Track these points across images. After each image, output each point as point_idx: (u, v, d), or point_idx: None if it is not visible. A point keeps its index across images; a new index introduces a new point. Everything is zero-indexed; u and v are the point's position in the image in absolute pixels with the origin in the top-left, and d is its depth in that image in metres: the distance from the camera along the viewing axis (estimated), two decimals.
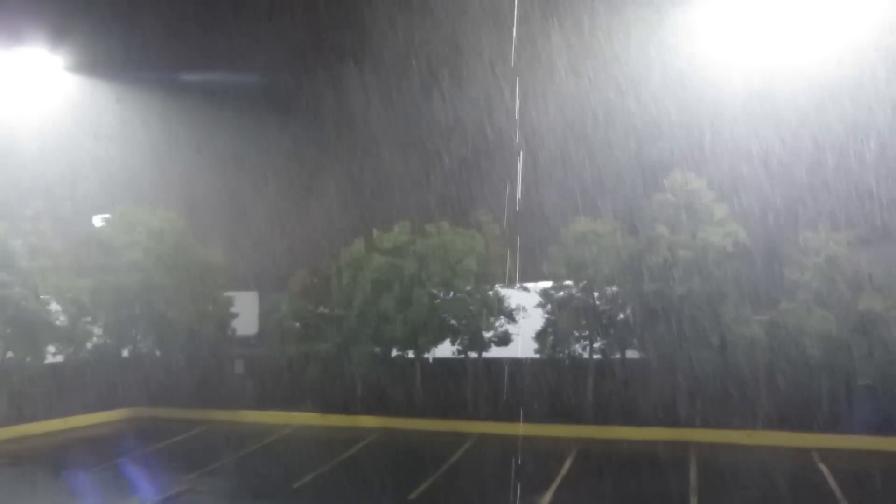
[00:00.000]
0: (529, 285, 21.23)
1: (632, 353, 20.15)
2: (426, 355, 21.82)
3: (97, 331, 23.32)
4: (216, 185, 28.03)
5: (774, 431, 17.92)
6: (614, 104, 21.71)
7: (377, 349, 21.52)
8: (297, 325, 22.48)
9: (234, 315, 24.99)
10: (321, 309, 22.47)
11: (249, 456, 18.23)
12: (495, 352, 21.28)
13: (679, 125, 20.79)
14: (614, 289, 20.06)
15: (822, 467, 15.58)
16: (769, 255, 18.97)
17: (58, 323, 22.11)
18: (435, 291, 20.97)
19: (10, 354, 21.22)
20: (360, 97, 25.51)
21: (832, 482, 14.54)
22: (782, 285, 18.51)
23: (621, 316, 20.00)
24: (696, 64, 20.86)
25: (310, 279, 22.76)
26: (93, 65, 26.14)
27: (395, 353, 21.72)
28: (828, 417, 18.00)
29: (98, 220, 24.79)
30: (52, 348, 22.17)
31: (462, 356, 21.41)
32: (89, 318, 22.97)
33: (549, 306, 20.60)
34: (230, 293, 25.07)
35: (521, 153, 20.36)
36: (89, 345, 23.13)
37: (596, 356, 20.26)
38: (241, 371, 24.78)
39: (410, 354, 21.66)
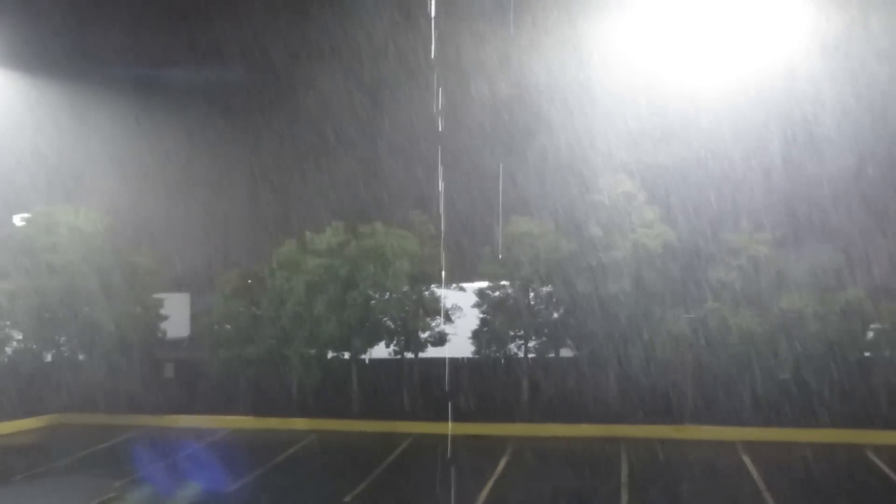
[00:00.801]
0: (466, 285, 21.37)
1: (566, 352, 20.54)
2: (362, 356, 21.69)
3: (17, 335, 22.38)
4: (146, 185, 27.22)
5: (701, 426, 18.52)
6: (546, 106, 22.02)
7: (312, 351, 21.28)
8: (230, 327, 22.03)
9: (164, 317, 24.30)
10: (254, 310, 22.08)
11: (179, 462, 17.75)
12: (431, 352, 21.32)
13: (610, 128, 21.24)
14: (549, 288, 20.38)
15: (746, 459, 16.19)
16: (697, 256, 19.61)
17: None
18: (370, 292, 20.86)
19: None
20: (291, 97, 25.17)
21: (755, 473, 15.12)
22: (709, 285, 19.15)
23: (556, 315, 20.33)
24: (624, 68, 21.35)
25: (242, 280, 22.36)
26: (12, 59, 25.02)
27: (330, 354, 21.52)
28: (751, 411, 18.72)
29: (18, 220, 23.78)
30: None
31: (398, 357, 21.37)
32: (8, 322, 22.04)
33: (484, 306, 20.79)
34: (160, 295, 24.36)
35: (447, 154, 20.50)
36: (9, 350, 22.18)
37: (531, 355, 20.54)
38: (171, 374, 24.14)
39: (346, 356, 21.50)
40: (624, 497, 13.98)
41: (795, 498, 13.97)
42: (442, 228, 20.57)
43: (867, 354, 18.41)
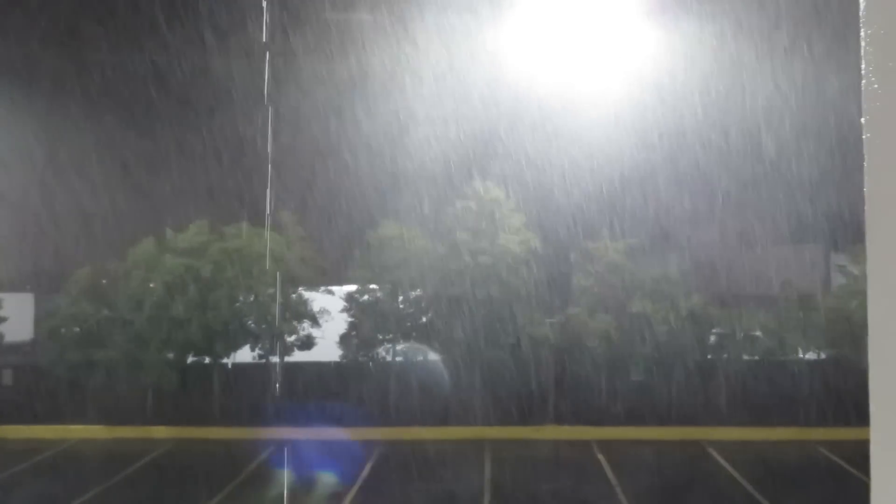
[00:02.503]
0: (334, 288, 21.13)
1: (433, 355, 20.75)
2: (224, 361, 20.92)
3: None
4: None
5: (559, 426, 19.30)
6: (416, 111, 22.14)
7: (170, 355, 20.31)
8: (79, 329, 20.59)
9: (3, 319, 22.38)
10: (106, 312, 20.77)
11: (15, 476, 16.40)
12: (298, 356, 20.91)
13: (477, 135, 21.68)
14: (417, 292, 20.53)
15: (601, 457, 17.04)
16: (560, 262, 20.39)
17: None
18: (234, 294, 20.19)
19: None
20: (149, 91, 23.84)
21: (608, 470, 15.94)
22: (570, 290, 19.99)
23: (424, 319, 20.51)
24: (493, 75, 21.83)
25: (94, 280, 20.98)
26: None
27: (190, 359, 20.63)
28: (605, 411, 19.70)
29: None
30: None
31: (263, 361, 20.79)
32: None
33: (353, 310, 20.65)
34: None
35: (315, 157, 20.20)
36: None
37: (399, 359, 20.60)
38: (9, 382, 22.22)
39: (207, 360, 20.67)
40: (487, 496, 14.33)
41: (642, 490, 14.88)
42: (320, 230, 20.20)
43: (709, 357, 19.83)
